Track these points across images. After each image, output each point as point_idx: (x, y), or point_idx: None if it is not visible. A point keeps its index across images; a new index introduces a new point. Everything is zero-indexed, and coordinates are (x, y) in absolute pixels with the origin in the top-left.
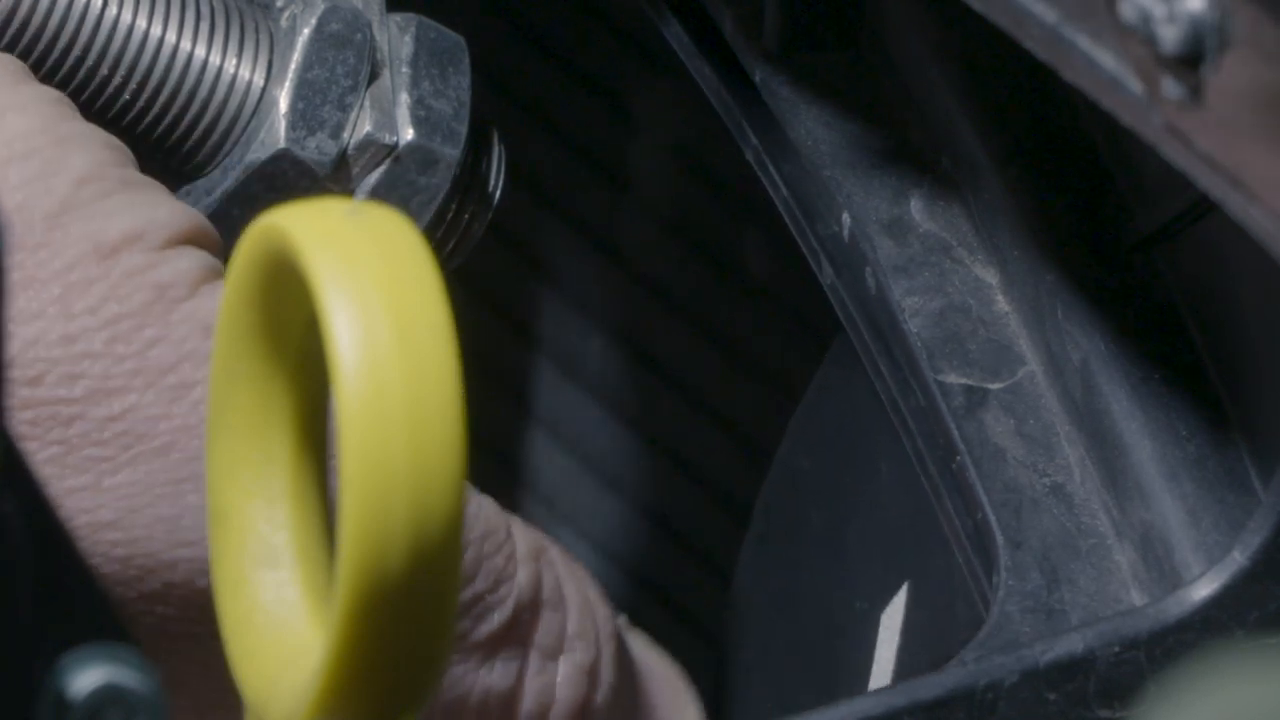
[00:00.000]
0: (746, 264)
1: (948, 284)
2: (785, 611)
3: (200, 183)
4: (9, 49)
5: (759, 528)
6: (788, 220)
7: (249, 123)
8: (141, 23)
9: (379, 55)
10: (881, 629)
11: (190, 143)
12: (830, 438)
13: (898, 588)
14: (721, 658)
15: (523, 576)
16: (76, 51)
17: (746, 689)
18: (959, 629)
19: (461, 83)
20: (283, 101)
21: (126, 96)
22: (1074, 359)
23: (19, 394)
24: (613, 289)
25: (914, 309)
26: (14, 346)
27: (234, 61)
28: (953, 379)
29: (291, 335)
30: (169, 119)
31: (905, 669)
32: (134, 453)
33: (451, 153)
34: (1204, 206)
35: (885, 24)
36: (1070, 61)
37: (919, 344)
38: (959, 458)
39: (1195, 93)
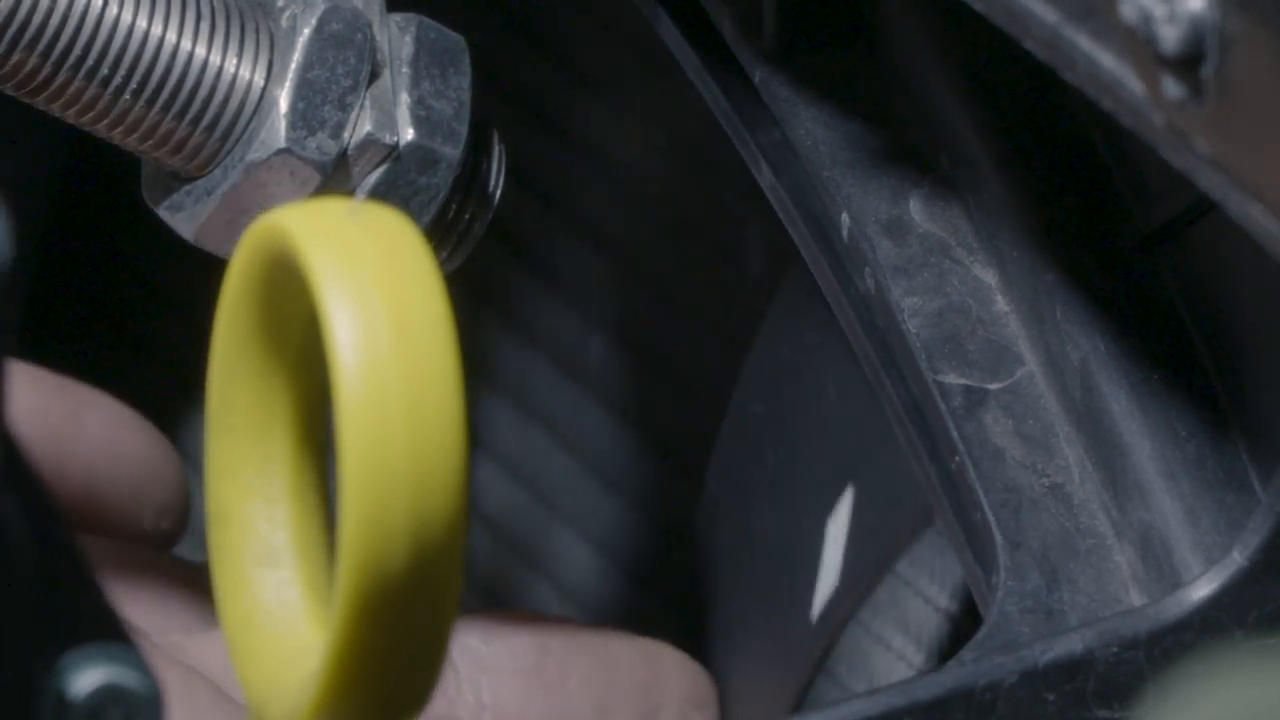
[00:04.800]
0: (747, 263)
1: (947, 284)
2: (742, 559)
3: (200, 183)
4: (9, 49)
5: (714, 486)
6: (786, 221)
7: (249, 122)
8: (141, 23)
9: (379, 55)
10: (828, 536)
11: (190, 143)
12: (779, 377)
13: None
14: (692, 621)
15: None
16: (76, 51)
17: (713, 643)
18: (906, 522)
19: (462, 83)
20: (283, 101)
21: (126, 96)
22: (1073, 359)
23: None
24: (613, 289)
25: (913, 309)
26: None
27: (234, 61)
28: (952, 379)
29: (291, 335)
30: (169, 119)
31: (852, 567)
32: None
33: (452, 153)
34: (1204, 206)
35: (885, 24)
36: (1070, 62)
37: (918, 344)
38: (958, 458)
39: (1195, 93)
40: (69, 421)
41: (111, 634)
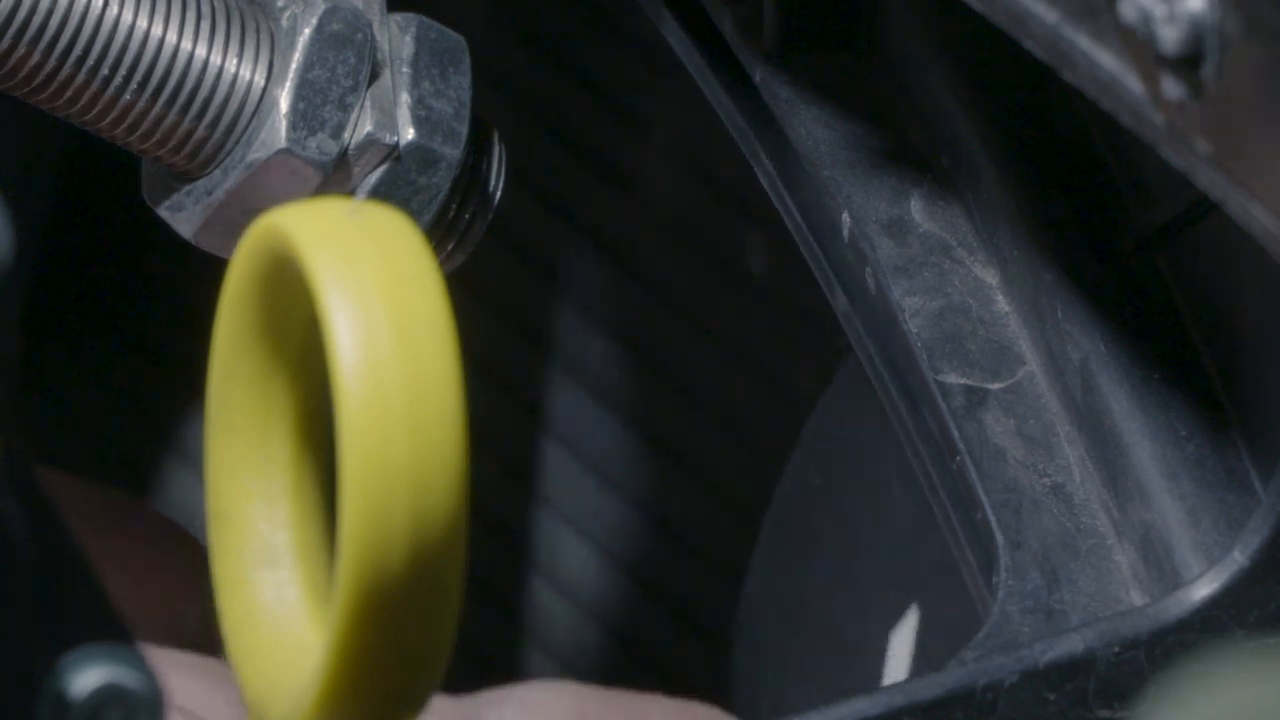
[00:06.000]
0: (748, 264)
1: (947, 284)
2: (793, 627)
3: (201, 183)
4: (9, 50)
5: (769, 539)
6: (787, 221)
7: (250, 123)
8: (142, 23)
9: (379, 55)
10: (891, 649)
11: (191, 143)
12: (843, 454)
13: (907, 609)
14: (728, 666)
15: None
16: (77, 51)
17: (751, 700)
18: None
19: (462, 82)
20: (283, 101)
21: (127, 97)
22: (1074, 359)
23: None
24: (613, 289)
25: (914, 309)
26: None
27: (234, 61)
28: (953, 379)
29: (291, 335)
30: (169, 119)
31: None
32: None
33: (452, 153)
34: (1204, 206)
35: (885, 24)
36: (1071, 62)
37: (919, 344)
38: (959, 458)
39: (1195, 93)
40: None
41: (111, 634)
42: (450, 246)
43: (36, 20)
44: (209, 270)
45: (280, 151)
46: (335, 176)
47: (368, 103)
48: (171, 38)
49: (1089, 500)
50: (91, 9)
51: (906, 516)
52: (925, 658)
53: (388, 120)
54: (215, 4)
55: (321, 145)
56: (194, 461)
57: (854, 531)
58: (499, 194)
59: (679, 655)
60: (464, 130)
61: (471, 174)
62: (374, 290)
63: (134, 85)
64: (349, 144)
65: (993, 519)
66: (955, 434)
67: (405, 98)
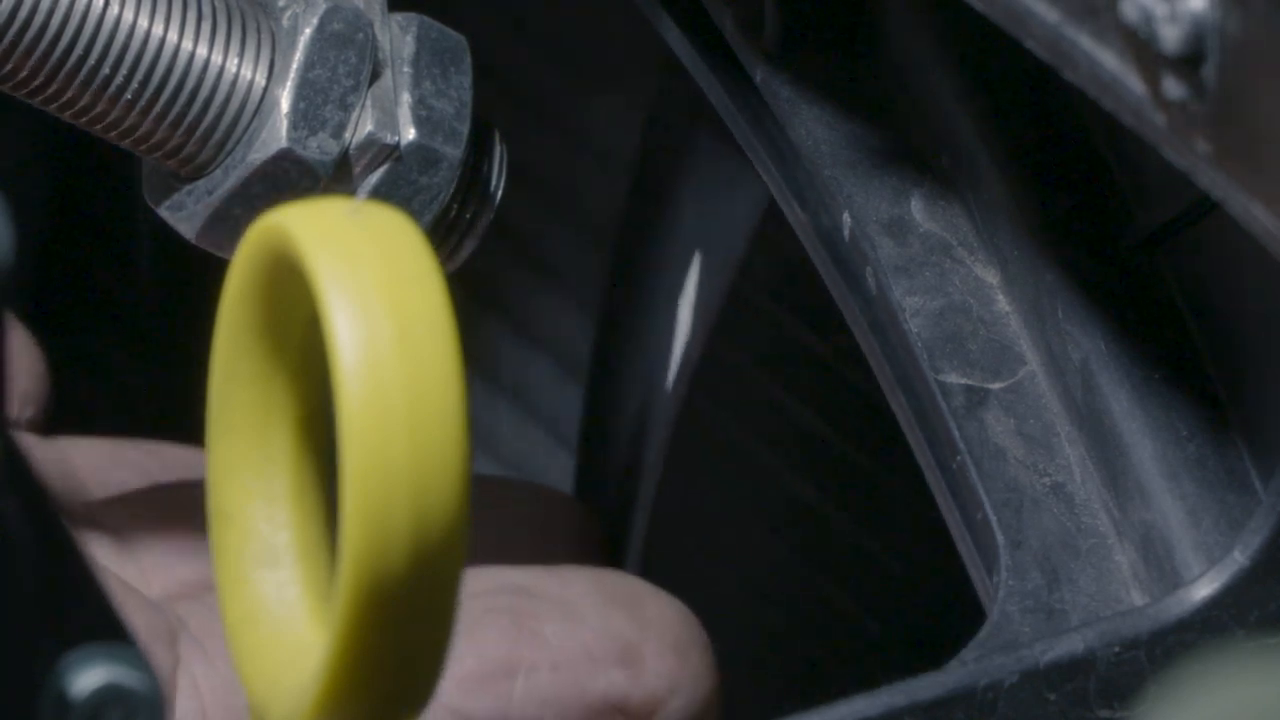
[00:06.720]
0: (748, 261)
1: (948, 284)
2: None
3: (201, 183)
4: (9, 49)
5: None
6: (789, 219)
7: (251, 122)
8: (142, 22)
9: (380, 55)
10: (679, 317)
11: (192, 142)
12: (657, 220)
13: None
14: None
15: None
16: (77, 51)
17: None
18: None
19: (463, 82)
20: (284, 101)
21: (128, 96)
22: (1074, 359)
23: None
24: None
25: (914, 309)
26: None
27: (235, 61)
28: (953, 379)
29: (292, 335)
30: (170, 119)
31: (697, 310)
32: None
33: (453, 152)
34: (1204, 206)
35: (885, 24)
36: (1072, 61)
37: (919, 344)
38: (959, 457)
39: (1196, 92)
40: None
41: (111, 634)
42: (451, 246)
43: (37, 20)
44: (210, 270)
45: (281, 151)
46: (336, 176)
47: (369, 102)
48: (172, 37)
49: (1089, 500)
50: (92, 9)
51: (694, 214)
52: (702, 306)
53: (389, 120)
54: (216, 4)
55: (322, 145)
56: None
57: (662, 264)
58: (500, 193)
59: None
60: (465, 130)
61: (473, 174)
62: (375, 290)
63: (134, 85)
64: (350, 144)
65: (993, 519)
66: (956, 434)
67: (406, 97)
